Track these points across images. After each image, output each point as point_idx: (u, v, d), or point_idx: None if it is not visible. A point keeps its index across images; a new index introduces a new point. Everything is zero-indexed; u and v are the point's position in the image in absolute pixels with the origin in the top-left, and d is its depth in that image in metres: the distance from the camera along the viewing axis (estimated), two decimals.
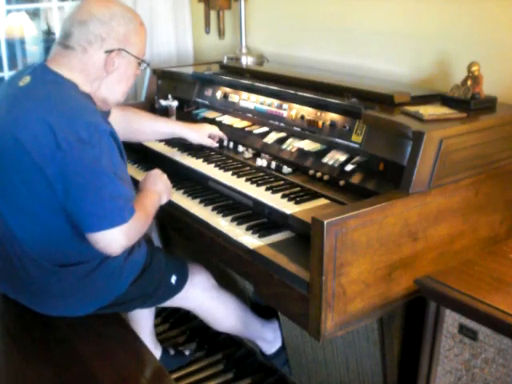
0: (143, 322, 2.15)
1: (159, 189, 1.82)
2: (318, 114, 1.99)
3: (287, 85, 2.18)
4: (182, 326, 2.67)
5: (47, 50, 1.67)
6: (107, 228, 1.54)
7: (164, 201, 1.84)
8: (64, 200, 1.56)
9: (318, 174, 1.85)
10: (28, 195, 1.60)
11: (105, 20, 1.63)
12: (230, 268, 1.88)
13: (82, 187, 1.53)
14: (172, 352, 2.37)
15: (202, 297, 2.00)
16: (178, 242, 2.69)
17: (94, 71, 1.66)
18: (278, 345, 2.20)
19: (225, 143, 2.24)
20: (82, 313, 1.74)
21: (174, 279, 1.89)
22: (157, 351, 2.26)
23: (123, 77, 1.72)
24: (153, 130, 2.20)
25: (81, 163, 1.51)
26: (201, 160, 2.15)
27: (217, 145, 2.23)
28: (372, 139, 1.76)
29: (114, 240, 1.56)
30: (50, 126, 1.51)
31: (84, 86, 1.66)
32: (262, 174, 1.97)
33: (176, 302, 1.95)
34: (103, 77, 1.68)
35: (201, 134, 2.21)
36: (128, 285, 1.75)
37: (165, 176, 1.88)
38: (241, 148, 2.18)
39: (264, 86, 2.23)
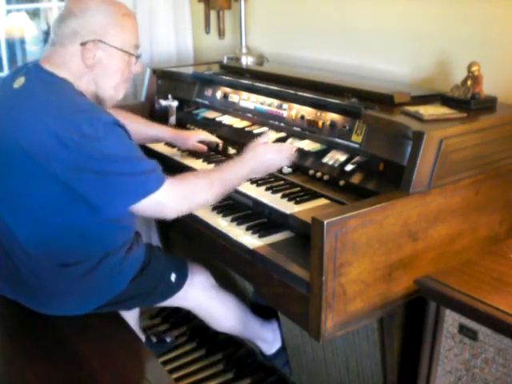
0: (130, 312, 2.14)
1: (252, 164, 1.75)
2: (318, 114, 1.99)
3: (287, 85, 2.17)
4: (182, 327, 2.67)
5: None
6: (143, 197, 1.56)
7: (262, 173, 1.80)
8: (86, 194, 1.55)
9: (318, 174, 1.85)
10: (28, 196, 1.60)
11: (78, 13, 1.64)
12: (230, 268, 1.88)
13: (100, 180, 1.53)
14: (154, 340, 2.39)
15: (202, 296, 1.99)
16: (178, 241, 2.69)
17: (75, 66, 1.66)
18: (277, 345, 2.20)
19: (220, 146, 2.21)
20: (82, 311, 1.74)
21: (173, 277, 1.89)
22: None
23: (108, 70, 1.70)
24: (143, 135, 2.18)
25: (92, 158, 1.51)
26: (201, 160, 2.15)
27: (206, 149, 2.20)
28: (372, 139, 1.76)
29: (161, 205, 1.61)
30: (51, 128, 1.51)
31: (77, 85, 1.66)
32: None
33: (175, 301, 1.95)
34: (87, 71, 1.67)
35: (189, 140, 2.19)
36: (128, 282, 1.75)
37: (266, 148, 1.79)
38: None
39: (264, 86, 2.23)
